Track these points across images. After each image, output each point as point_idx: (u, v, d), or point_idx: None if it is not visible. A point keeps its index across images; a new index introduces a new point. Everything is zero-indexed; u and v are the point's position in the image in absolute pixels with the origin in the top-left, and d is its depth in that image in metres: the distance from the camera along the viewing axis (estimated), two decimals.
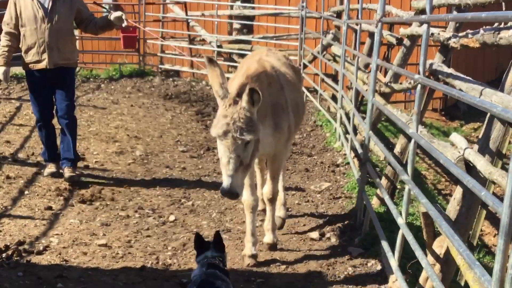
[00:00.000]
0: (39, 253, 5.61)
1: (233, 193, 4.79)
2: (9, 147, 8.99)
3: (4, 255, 5.45)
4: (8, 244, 5.68)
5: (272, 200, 5.81)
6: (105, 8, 9.62)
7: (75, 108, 7.94)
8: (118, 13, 7.59)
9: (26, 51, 7.27)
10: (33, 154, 8.65)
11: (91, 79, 15.21)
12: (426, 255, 4.26)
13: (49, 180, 7.64)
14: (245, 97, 4.68)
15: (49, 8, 7.23)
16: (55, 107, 7.59)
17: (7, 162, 8.24)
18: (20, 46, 7.38)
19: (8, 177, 7.62)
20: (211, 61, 5.05)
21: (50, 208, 6.74)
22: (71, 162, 7.51)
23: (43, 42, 7.19)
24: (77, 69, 16.14)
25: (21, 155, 8.65)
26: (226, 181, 4.74)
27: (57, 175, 7.64)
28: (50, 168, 7.75)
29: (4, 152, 8.69)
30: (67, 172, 7.42)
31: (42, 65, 7.26)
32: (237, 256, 5.84)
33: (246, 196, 5.59)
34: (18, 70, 15.27)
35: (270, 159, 5.80)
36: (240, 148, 4.75)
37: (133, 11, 17.06)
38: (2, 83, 13.84)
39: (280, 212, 6.46)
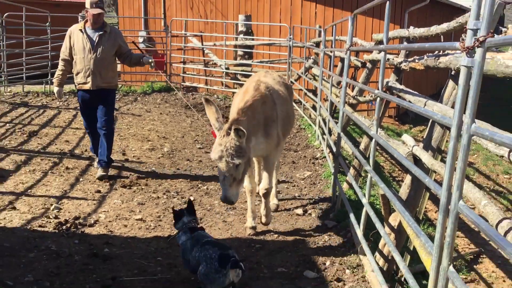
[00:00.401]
0: (91, 225, 5.61)
1: (229, 201, 4.85)
2: (68, 145, 8.98)
3: (64, 227, 5.45)
4: (67, 219, 5.68)
5: (266, 194, 5.64)
6: (140, 49, 9.32)
7: (114, 122, 7.68)
8: (150, 59, 7.42)
9: (76, 74, 7.15)
10: (86, 150, 8.63)
11: (130, 94, 15.17)
12: (384, 227, 4.26)
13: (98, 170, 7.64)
14: (232, 134, 4.67)
15: (96, 41, 7.07)
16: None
17: (67, 156, 8.23)
18: (72, 70, 7.27)
19: (67, 168, 7.61)
20: (207, 101, 5.02)
21: (99, 191, 6.74)
22: (105, 163, 7.31)
23: (89, 68, 7.03)
24: (120, 86, 16.30)
25: (77, 151, 8.64)
26: (223, 192, 4.82)
27: (105, 177, 7.32)
28: (102, 172, 7.46)
29: (64, 149, 8.68)
30: (100, 171, 7.28)
31: (87, 86, 7.10)
32: (240, 227, 5.84)
33: (246, 183, 5.57)
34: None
35: (264, 160, 5.69)
36: (232, 169, 4.76)
37: (161, 42, 17.05)
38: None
39: (274, 200, 6.48)
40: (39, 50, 15.53)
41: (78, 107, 7.27)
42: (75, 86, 7.31)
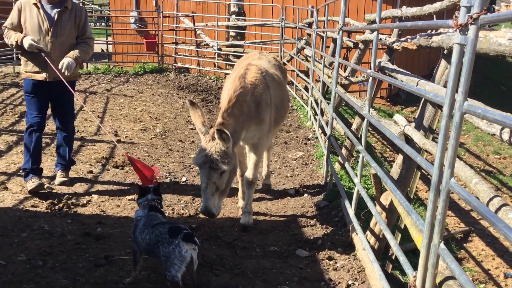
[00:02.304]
0: (83, 205, 5.59)
1: (210, 213, 4.54)
2: None
3: (56, 207, 5.43)
4: (60, 199, 5.66)
5: (251, 184, 5.29)
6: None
7: (74, 119, 6.41)
8: (65, 62, 5.51)
9: (26, 60, 5.63)
10: (78, 131, 8.56)
11: (121, 75, 15.04)
12: (375, 206, 4.27)
13: (90, 150, 7.59)
14: (217, 138, 4.46)
15: (55, 20, 5.57)
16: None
17: None
18: (19, 54, 5.84)
19: None
20: (192, 104, 4.75)
21: (91, 172, 6.70)
22: (66, 166, 6.19)
23: (46, 54, 5.51)
24: (111, 66, 16.16)
25: None
26: (204, 203, 4.53)
27: (41, 188, 5.69)
28: (34, 181, 5.67)
29: (55, 130, 8.61)
30: (59, 176, 6.12)
31: (41, 77, 5.62)
32: (233, 207, 5.85)
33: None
34: None
35: (253, 148, 5.33)
36: (215, 176, 4.51)
37: (153, 22, 16.89)
38: None
39: (266, 180, 6.46)
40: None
41: (25, 102, 5.67)
42: (22, 74, 5.81)
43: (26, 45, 5.43)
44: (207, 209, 4.51)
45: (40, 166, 5.92)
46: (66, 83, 5.55)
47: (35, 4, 5.56)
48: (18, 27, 5.60)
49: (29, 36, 5.47)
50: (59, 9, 5.63)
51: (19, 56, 5.81)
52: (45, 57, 5.48)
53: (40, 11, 5.57)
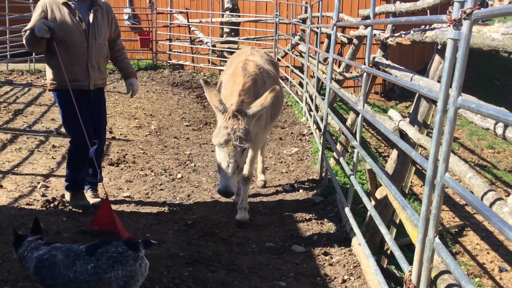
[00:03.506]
0: None
1: (229, 193, 4.52)
2: (54, 123, 8.88)
3: (52, 205, 5.41)
4: (55, 196, 5.63)
5: (247, 180, 5.31)
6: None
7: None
8: (135, 89, 5.35)
9: (61, 69, 4.71)
10: None
11: (115, 71, 14.98)
12: (370, 201, 4.29)
13: None
14: (240, 116, 4.46)
15: (91, 21, 4.86)
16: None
17: (53, 135, 8.16)
18: (47, 62, 4.97)
19: (53, 146, 7.54)
20: (207, 83, 4.66)
21: None
22: (95, 184, 5.55)
23: (86, 60, 4.87)
24: None
25: (63, 130, 8.54)
26: (224, 183, 4.48)
27: (88, 208, 5.25)
28: (85, 199, 5.30)
29: (50, 127, 8.60)
30: (91, 197, 5.44)
31: (84, 85, 4.94)
32: (228, 204, 5.85)
33: None
34: None
35: None
36: (238, 154, 4.51)
37: (147, 19, 16.84)
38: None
39: (261, 176, 6.47)
40: (23, 28, 15.24)
41: (61, 115, 4.97)
42: (54, 85, 4.95)
43: (38, 30, 4.57)
44: (227, 188, 4.47)
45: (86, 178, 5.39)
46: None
47: (65, 3, 4.78)
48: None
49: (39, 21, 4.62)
50: (94, 8, 4.91)
51: (47, 64, 4.98)
52: (54, 44, 4.68)
53: (74, 11, 4.79)
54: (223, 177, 4.53)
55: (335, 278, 4.13)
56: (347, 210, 4.74)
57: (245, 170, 5.27)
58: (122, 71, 5.41)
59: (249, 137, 4.53)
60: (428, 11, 4.76)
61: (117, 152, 7.50)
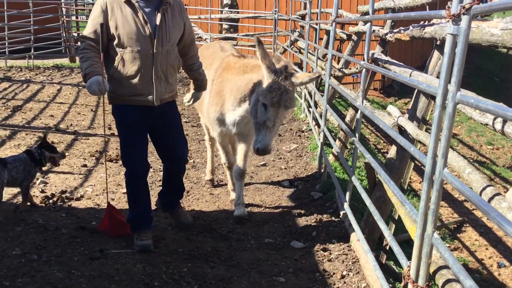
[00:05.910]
0: (78, 199, 5.58)
1: (269, 151, 4.57)
2: (53, 120, 8.89)
3: (51, 201, 5.42)
4: (54, 193, 5.64)
5: (242, 175, 5.29)
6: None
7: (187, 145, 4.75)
8: (196, 101, 4.95)
9: (121, 80, 4.03)
10: (71, 125, 8.56)
11: None
12: (369, 196, 4.29)
13: (83, 144, 7.57)
14: (290, 78, 4.49)
15: (158, 23, 4.01)
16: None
17: (52, 131, 8.15)
18: (106, 70, 4.10)
19: (52, 143, 7.48)
20: (260, 42, 4.53)
21: (85, 165, 6.69)
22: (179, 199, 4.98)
23: (151, 70, 4.04)
24: None
25: (62, 126, 8.56)
26: (266, 141, 4.47)
27: (149, 248, 4.34)
28: (146, 239, 4.36)
29: (49, 123, 8.60)
30: (184, 216, 4.94)
31: (146, 100, 4.10)
32: (227, 200, 5.85)
33: (224, 159, 5.58)
34: (59, 61, 15.11)
35: (243, 138, 5.26)
36: (283, 114, 4.65)
37: None
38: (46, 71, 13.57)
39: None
40: (22, 24, 15.24)
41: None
42: (114, 99, 4.20)
43: (89, 89, 3.84)
44: (269, 147, 4.53)
45: (151, 214, 4.58)
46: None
47: (128, 2, 3.98)
48: (104, 37, 3.96)
49: (98, 76, 3.83)
50: (162, 7, 4.07)
51: (106, 72, 4.13)
52: (103, 77, 3.90)
53: (139, 12, 3.98)
54: (264, 136, 4.52)
55: (334, 273, 4.14)
56: (346, 206, 4.75)
57: (240, 165, 5.28)
58: (196, 82, 4.75)
59: (294, 99, 4.66)
60: (427, 6, 4.76)
61: (116, 148, 7.49)
